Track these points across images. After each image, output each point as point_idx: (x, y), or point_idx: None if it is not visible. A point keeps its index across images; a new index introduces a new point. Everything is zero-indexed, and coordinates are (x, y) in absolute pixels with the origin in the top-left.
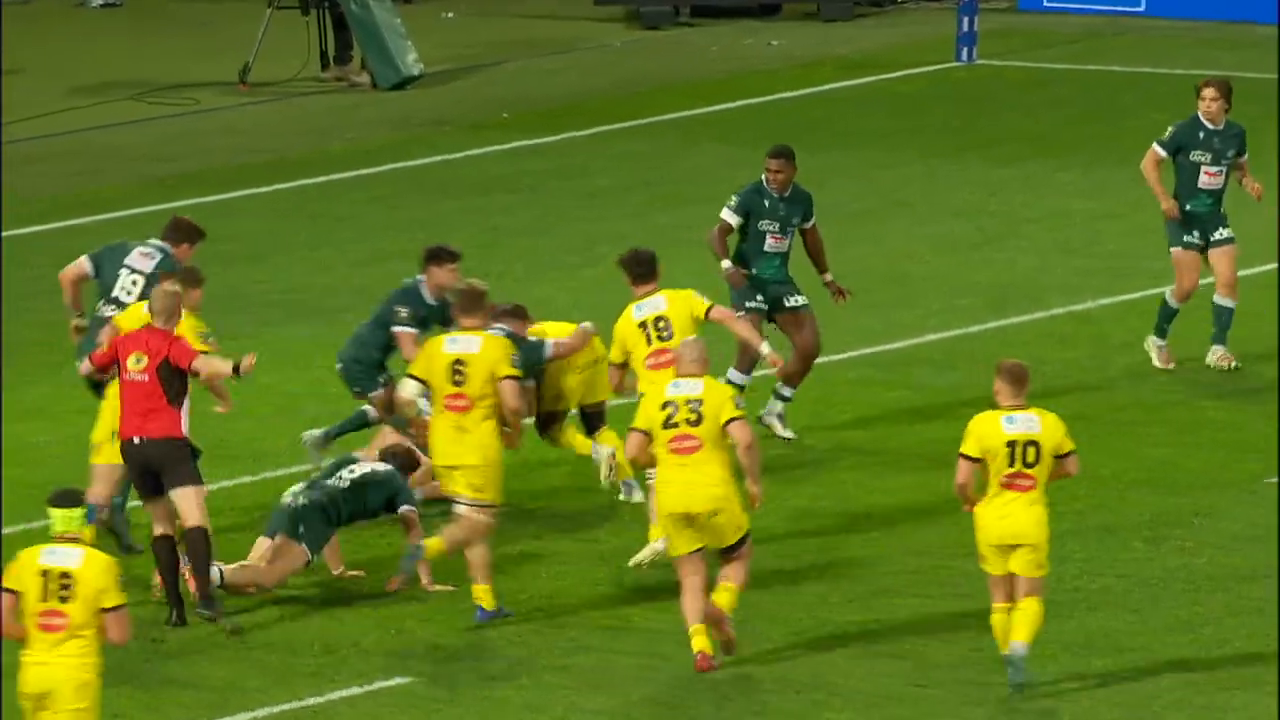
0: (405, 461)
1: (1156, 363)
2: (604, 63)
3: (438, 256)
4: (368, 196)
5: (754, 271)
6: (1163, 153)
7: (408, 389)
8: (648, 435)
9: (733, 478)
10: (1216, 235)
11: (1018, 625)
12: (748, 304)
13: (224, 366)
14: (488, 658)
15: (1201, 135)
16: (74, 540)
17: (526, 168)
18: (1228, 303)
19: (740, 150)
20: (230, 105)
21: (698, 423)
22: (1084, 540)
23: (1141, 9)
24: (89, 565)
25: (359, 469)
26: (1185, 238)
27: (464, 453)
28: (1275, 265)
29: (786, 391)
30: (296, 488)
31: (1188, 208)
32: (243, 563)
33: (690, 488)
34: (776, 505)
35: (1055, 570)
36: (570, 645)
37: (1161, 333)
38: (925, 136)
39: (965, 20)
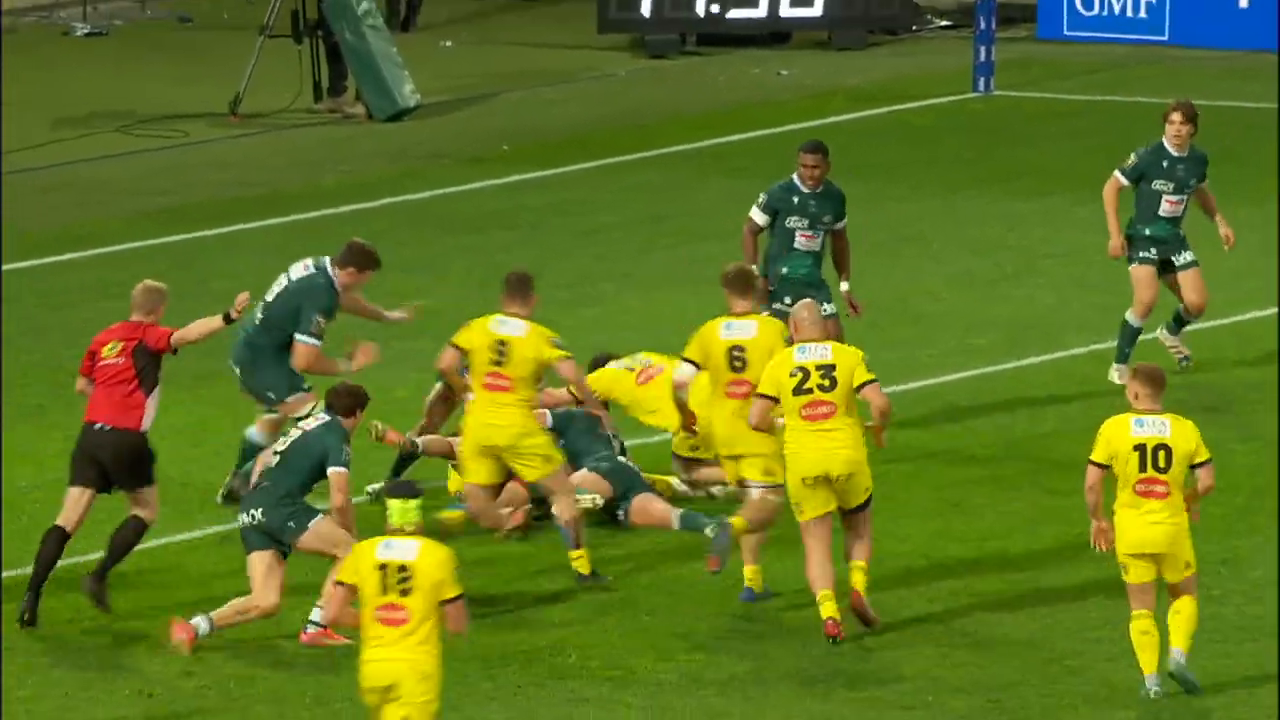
0: (345, 403)
1: (1118, 380)
2: (607, 93)
3: (367, 262)
4: (362, 232)
5: (784, 271)
6: (1125, 181)
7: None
8: (774, 400)
9: (863, 439)
10: (1181, 259)
11: (1175, 630)
12: (774, 306)
13: (207, 324)
14: (488, 710)
15: (1165, 164)
16: (411, 533)
17: (526, 203)
18: (1194, 322)
19: (749, 184)
20: (221, 137)
21: (831, 388)
22: (1105, 588)
23: (1165, 38)
24: (426, 557)
25: (287, 439)
26: (1142, 253)
27: (751, 439)
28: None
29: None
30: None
31: (1147, 232)
32: (232, 603)
33: (828, 452)
34: (786, 550)
35: (1075, 618)
36: (572, 697)
37: (1124, 358)
38: (940, 169)
39: (982, 50)
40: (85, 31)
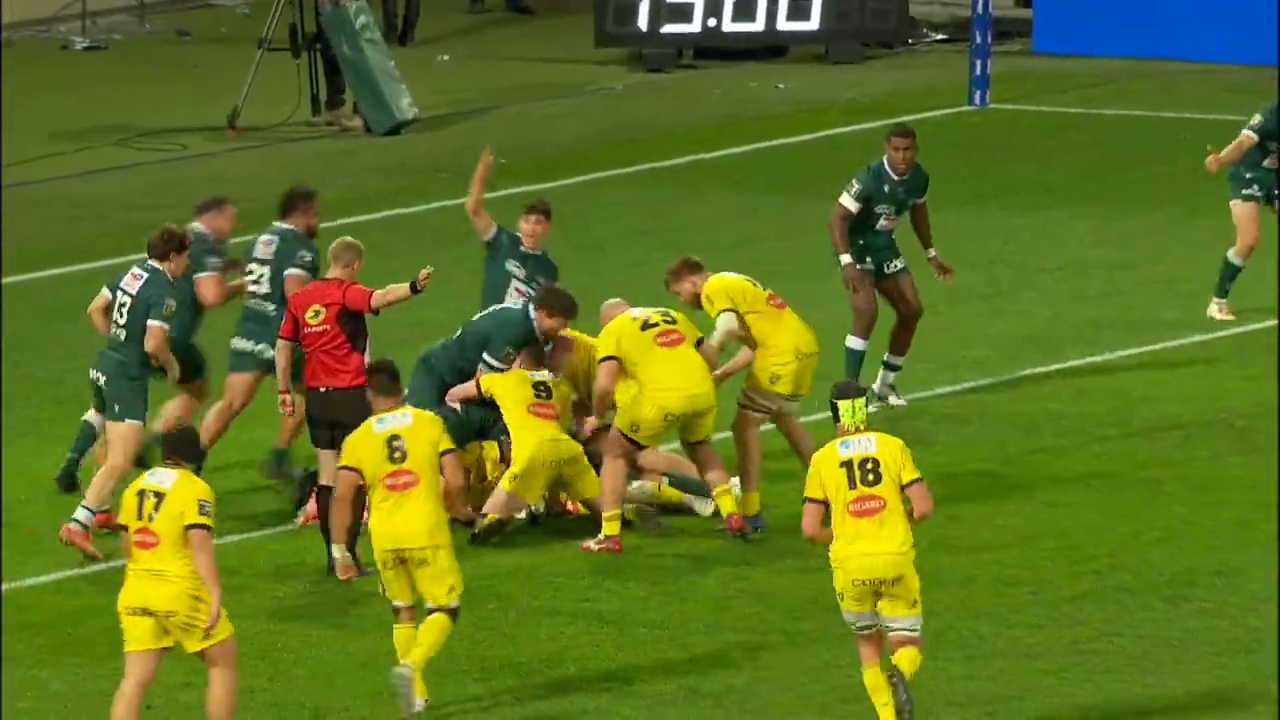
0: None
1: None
2: (604, 107)
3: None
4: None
5: (861, 242)
6: (854, 208)
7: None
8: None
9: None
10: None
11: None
12: (861, 266)
13: (399, 290)
14: None
15: (887, 188)
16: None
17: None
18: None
19: (745, 197)
20: (219, 151)
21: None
22: (1102, 601)
23: (1160, 51)
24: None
25: (123, 308)
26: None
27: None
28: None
29: (896, 361)
30: None
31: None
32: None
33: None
34: (785, 565)
35: (1070, 632)
36: (570, 708)
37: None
38: (936, 183)
39: (978, 63)
40: (84, 45)
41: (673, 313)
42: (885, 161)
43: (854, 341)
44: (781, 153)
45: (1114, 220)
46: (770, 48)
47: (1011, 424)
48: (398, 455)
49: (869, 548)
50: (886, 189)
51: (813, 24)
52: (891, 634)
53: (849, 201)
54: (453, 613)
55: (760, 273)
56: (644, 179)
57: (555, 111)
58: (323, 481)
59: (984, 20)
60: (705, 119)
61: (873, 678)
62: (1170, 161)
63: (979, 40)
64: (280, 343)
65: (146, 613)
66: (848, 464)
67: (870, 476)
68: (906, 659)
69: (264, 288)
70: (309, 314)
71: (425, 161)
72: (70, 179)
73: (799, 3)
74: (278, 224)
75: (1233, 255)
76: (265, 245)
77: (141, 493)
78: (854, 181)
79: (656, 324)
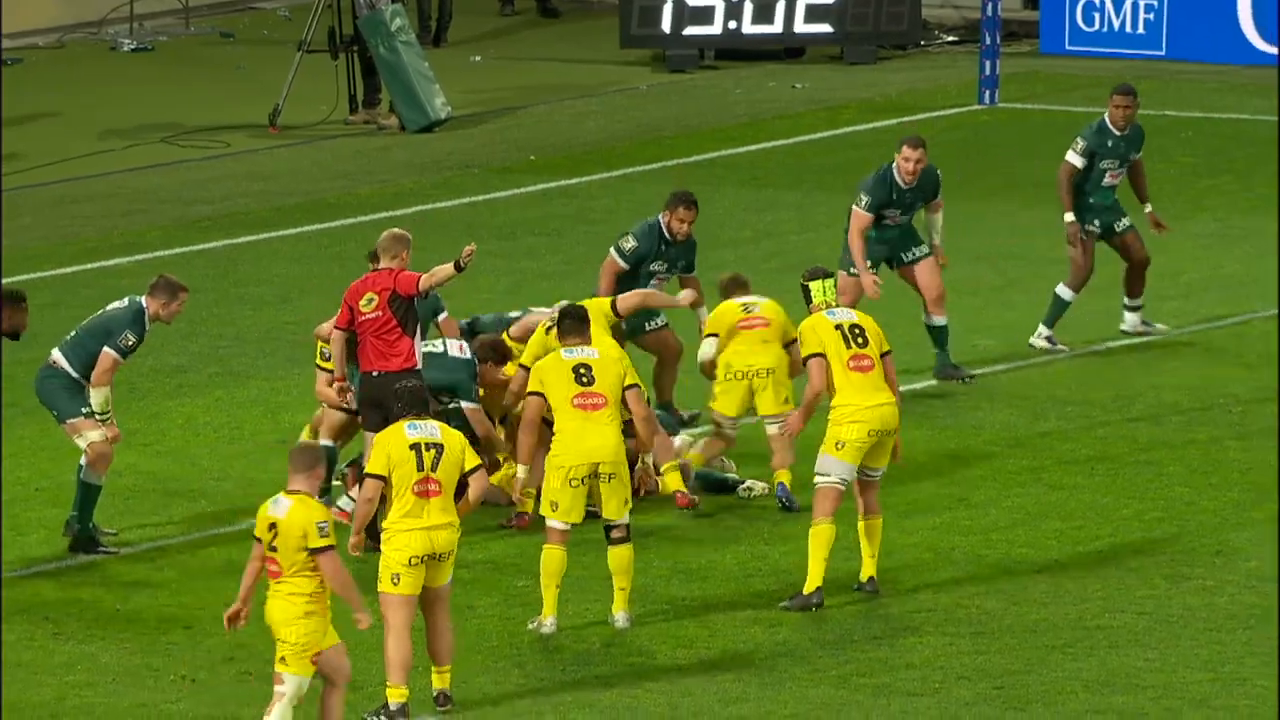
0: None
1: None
2: (629, 106)
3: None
4: None
5: (1091, 200)
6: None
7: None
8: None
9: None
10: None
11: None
12: (1086, 227)
13: (444, 270)
14: (516, 699)
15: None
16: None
17: (552, 211)
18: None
19: (764, 192)
20: (260, 148)
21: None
22: (1105, 578)
23: (1163, 53)
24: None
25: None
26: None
27: None
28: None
29: (1135, 303)
30: None
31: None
32: None
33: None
34: (796, 544)
35: (1076, 609)
36: (596, 682)
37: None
38: (948, 179)
39: (987, 64)
40: (131, 47)
41: None
42: (1107, 117)
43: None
44: (799, 150)
45: None
46: (788, 49)
47: (1018, 409)
48: (585, 380)
49: (877, 399)
50: (1110, 144)
51: (829, 27)
52: (868, 479)
53: (1074, 157)
54: (627, 530)
55: (780, 264)
56: (669, 175)
57: (582, 110)
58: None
59: (993, 22)
60: (726, 118)
61: (823, 530)
62: (1171, 159)
63: (988, 41)
64: (336, 333)
65: (433, 558)
66: (840, 327)
67: (860, 339)
68: (875, 535)
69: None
70: (363, 302)
71: (458, 158)
72: (119, 174)
73: (816, 6)
74: None
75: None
76: None
77: (416, 446)
78: (1079, 139)
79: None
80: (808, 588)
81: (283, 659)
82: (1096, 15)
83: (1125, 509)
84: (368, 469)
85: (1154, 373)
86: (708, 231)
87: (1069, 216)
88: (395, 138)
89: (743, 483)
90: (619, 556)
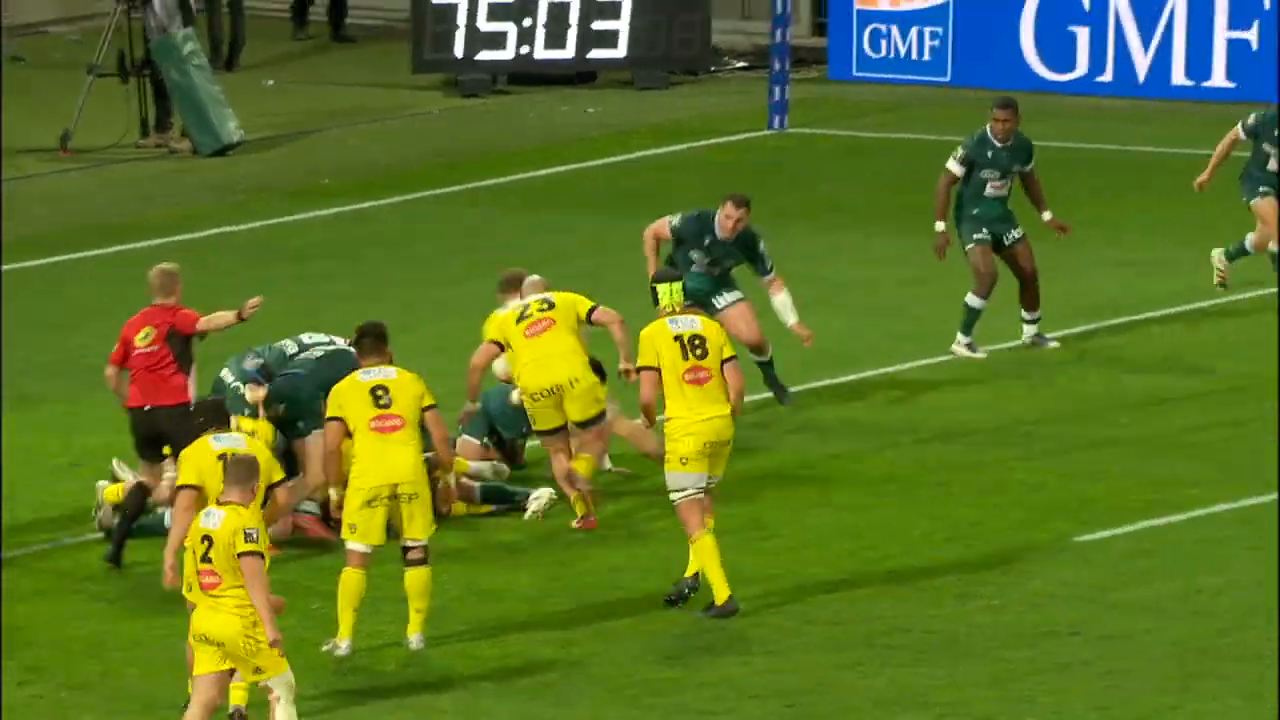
0: None
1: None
2: (423, 130)
3: None
4: (189, 262)
5: (974, 212)
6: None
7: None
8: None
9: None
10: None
11: None
12: (974, 237)
13: (225, 318)
14: (304, 717)
15: (990, 154)
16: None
17: (347, 234)
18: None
19: (559, 216)
20: (51, 171)
21: (705, 355)
22: (894, 597)
23: (947, 79)
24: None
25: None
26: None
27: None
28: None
29: (1030, 316)
30: None
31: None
32: None
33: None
34: (597, 563)
35: (866, 627)
36: (391, 704)
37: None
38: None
39: (777, 90)
40: None
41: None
42: (988, 129)
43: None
44: (592, 174)
45: (905, 238)
46: (580, 74)
47: (809, 431)
48: (383, 402)
49: (710, 411)
50: (990, 154)
51: (620, 51)
52: (710, 489)
53: (953, 165)
54: (424, 551)
55: (574, 287)
56: (462, 198)
57: (376, 134)
58: (144, 479)
59: (782, 48)
60: (519, 142)
61: (704, 544)
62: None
63: (778, 67)
64: (110, 369)
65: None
66: (679, 339)
67: (699, 351)
68: (717, 555)
69: None
70: (139, 336)
71: (252, 181)
72: None
73: (607, 32)
74: None
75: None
76: None
77: (223, 456)
78: (959, 148)
79: (531, 314)
80: (719, 598)
81: (257, 669)
82: (883, 42)
83: (914, 529)
84: (179, 482)
85: (941, 395)
86: (501, 256)
87: (938, 225)
88: (188, 161)
89: (528, 494)
90: (416, 578)
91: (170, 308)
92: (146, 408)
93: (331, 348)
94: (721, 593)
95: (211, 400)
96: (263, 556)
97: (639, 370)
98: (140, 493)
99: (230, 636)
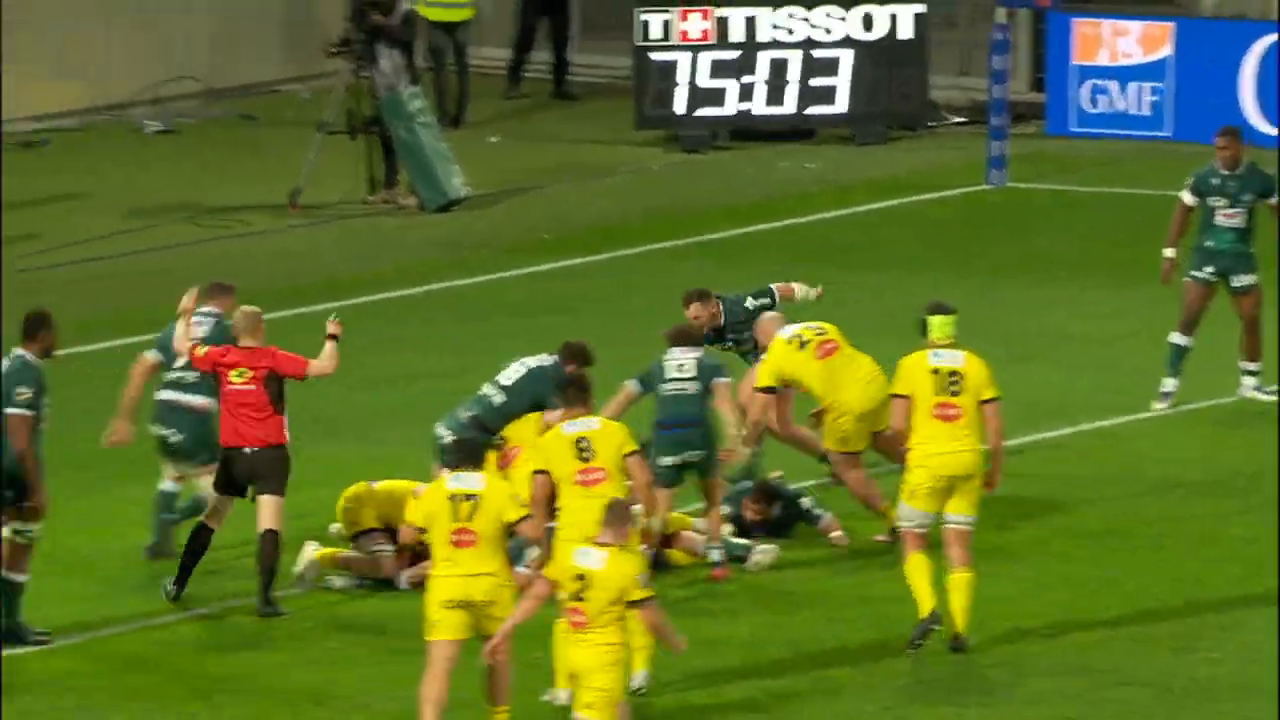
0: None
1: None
2: (643, 186)
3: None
4: (412, 317)
5: (1207, 244)
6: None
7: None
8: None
9: None
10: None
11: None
12: (1196, 275)
13: (328, 363)
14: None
15: (1219, 181)
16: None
17: (568, 289)
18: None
19: (776, 270)
20: (281, 228)
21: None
22: (1111, 650)
23: (1168, 134)
24: (971, 363)
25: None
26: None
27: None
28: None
29: (1250, 366)
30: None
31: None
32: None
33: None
34: (814, 614)
35: (1083, 679)
36: None
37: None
38: (956, 258)
39: (995, 145)
40: (155, 129)
41: (822, 325)
42: (1215, 160)
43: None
44: (810, 229)
45: (1120, 291)
46: (799, 130)
47: (1027, 483)
48: (585, 455)
49: (947, 446)
50: (1216, 182)
51: (840, 108)
52: (952, 527)
53: (1185, 195)
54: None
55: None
56: (682, 253)
57: (597, 189)
58: (209, 524)
59: (1001, 104)
60: (739, 197)
61: (916, 561)
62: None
63: (996, 122)
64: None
65: (466, 605)
66: (937, 371)
67: (954, 387)
68: (963, 590)
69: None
70: (234, 374)
71: (475, 236)
72: (141, 254)
73: (826, 88)
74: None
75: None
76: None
77: (453, 497)
78: (1190, 177)
79: (809, 340)
80: (921, 612)
81: (589, 705)
82: (1102, 97)
83: (1131, 582)
84: (407, 518)
85: (1159, 448)
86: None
87: (1166, 252)
88: (413, 217)
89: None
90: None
91: (267, 350)
92: (248, 450)
93: (523, 370)
94: (924, 607)
95: (468, 440)
96: (654, 598)
97: (892, 396)
98: (207, 533)
99: (590, 669)
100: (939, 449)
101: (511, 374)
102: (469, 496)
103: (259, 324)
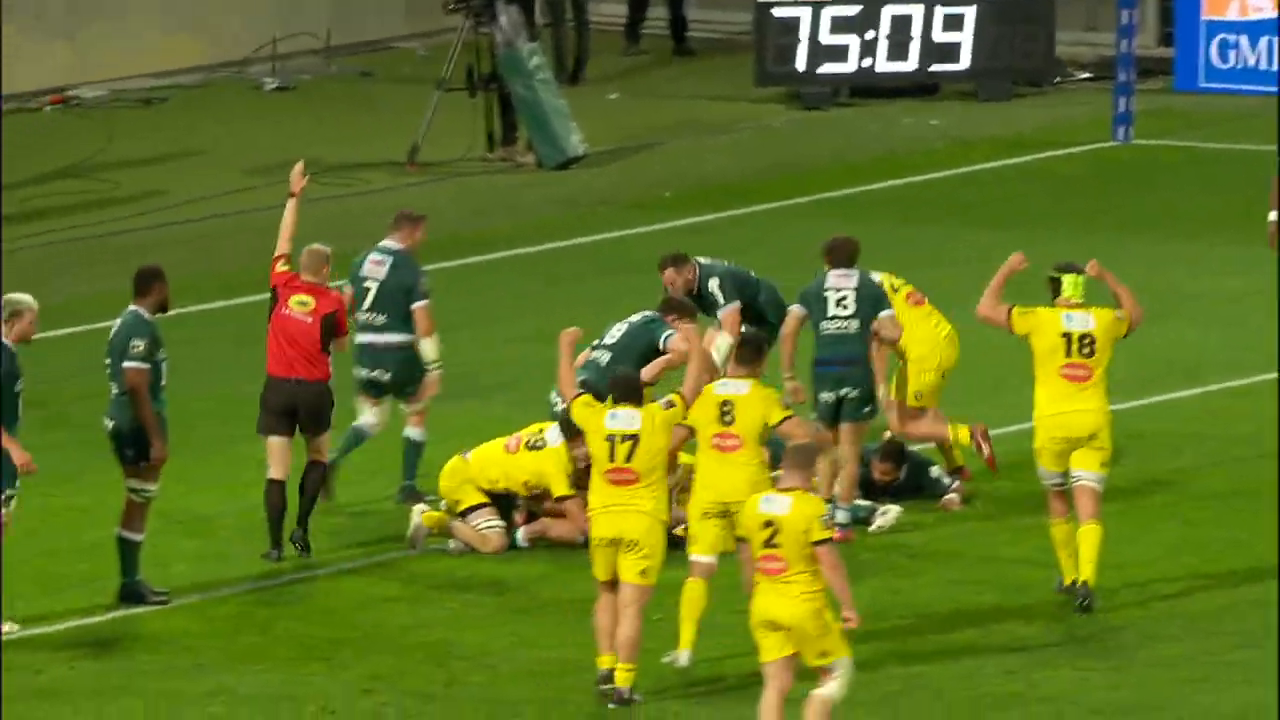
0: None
1: None
2: (764, 143)
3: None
4: (531, 274)
5: None
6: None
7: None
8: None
9: None
10: None
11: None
12: None
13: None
14: None
15: None
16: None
17: (687, 246)
18: None
19: (898, 229)
20: (399, 185)
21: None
22: (1240, 614)
23: None
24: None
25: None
26: None
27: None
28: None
29: None
30: None
31: None
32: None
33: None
34: (936, 577)
35: (1209, 643)
36: (730, 715)
37: None
38: (1082, 215)
39: (1122, 100)
40: (273, 86)
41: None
42: None
43: None
44: (932, 186)
45: (1250, 248)
46: (922, 86)
47: (1155, 444)
48: (727, 419)
49: (1067, 406)
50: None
51: (963, 63)
52: (1080, 484)
53: None
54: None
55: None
56: (802, 211)
57: (717, 146)
58: (274, 475)
59: (1128, 59)
60: (861, 154)
61: (1060, 531)
62: None
63: (1122, 78)
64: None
65: (616, 542)
66: (1067, 335)
67: (1085, 350)
68: (1091, 542)
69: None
70: (295, 300)
71: (594, 194)
72: (260, 211)
73: (950, 44)
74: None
75: None
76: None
77: (610, 437)
78: None
79: (899, 287)
80: (1066, 580)
81: (823, 652)
82: (1232, 52)
83: (1259, 544)
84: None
85: None
86: None
87: (1271, 215)
88: (532, 174)
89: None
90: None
91: (335, 297)
92: (294, 379)
93: (625, 327)
94: (1067, 574)
95: (626, 376)
96: (833, 541)
97: (1018, 324)
98: (282, 495)
99: (799, 620)
100: (1061, 409)
101: (615, 333)
102: (627, 437)
103: (324, 264)
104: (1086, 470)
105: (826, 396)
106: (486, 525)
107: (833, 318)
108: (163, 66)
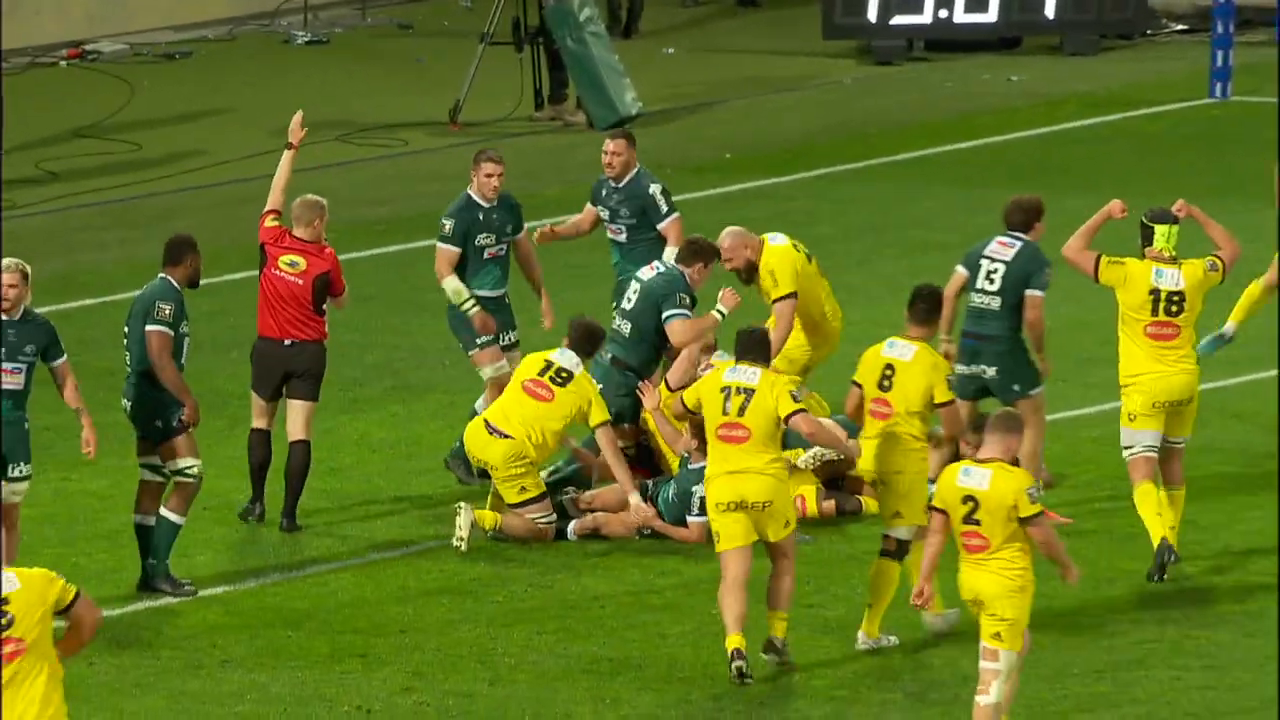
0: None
1: None
2: (832, 101)
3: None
4: (586, 244)
5: None
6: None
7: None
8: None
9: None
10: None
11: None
12: None
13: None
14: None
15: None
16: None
17: (748, 213)
18: None
19: (975, 193)
20: (440, 147)
21: (1178, 313)
22: None
23: None
24: (1191, 280)
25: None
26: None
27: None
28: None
29: None
30: None
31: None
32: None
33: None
34: None
35: None
36: (798, 717)
37: None
38: (1176, 178)
39: (1220, 54)
40: (305, 39)
41: None
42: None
43: None
44: (1013, 147)
45: None
46: (1003, 39)
47: (1255, 424)
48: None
49: (1166, 369)
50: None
51: (1047, 14)
52: (1169, 448)
53: None
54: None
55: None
56: (872, 174)
57: (781, 105)
58: (258, 425)
59: (1226, 10)
60: (936, 113)
61: (1152, 496)
62: None
63: (1220, 30)
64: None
65: (741, 506)
66: (1156, 292)
67: (1174, 308)
68: (1181, 507)
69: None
70: (285, 260)
71: (649, 156)
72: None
73: None
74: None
75: None
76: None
77: (726, 389)
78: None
79: None
80: (1155, 539)
81: (997, 635)
82: None
83: None
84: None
85: None
86: (910, 235)
87: None
88: (583, 135)
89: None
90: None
91: (329, 255)
92: (288, 342)
93: (637, 287)
94: (1155, 536)
95: (754, 330)
96: (1044, 514)
97: (1105, 271)
98: (266, 445)
99: (993, 596)
100: (1157, 369)
101: (630, 294)
102: (741, 390)
103: (318, 216)
104: (1181, 435)
105: (961, 369)
106: (545, 520)
107: (979, 290)
108: (187, 19)
